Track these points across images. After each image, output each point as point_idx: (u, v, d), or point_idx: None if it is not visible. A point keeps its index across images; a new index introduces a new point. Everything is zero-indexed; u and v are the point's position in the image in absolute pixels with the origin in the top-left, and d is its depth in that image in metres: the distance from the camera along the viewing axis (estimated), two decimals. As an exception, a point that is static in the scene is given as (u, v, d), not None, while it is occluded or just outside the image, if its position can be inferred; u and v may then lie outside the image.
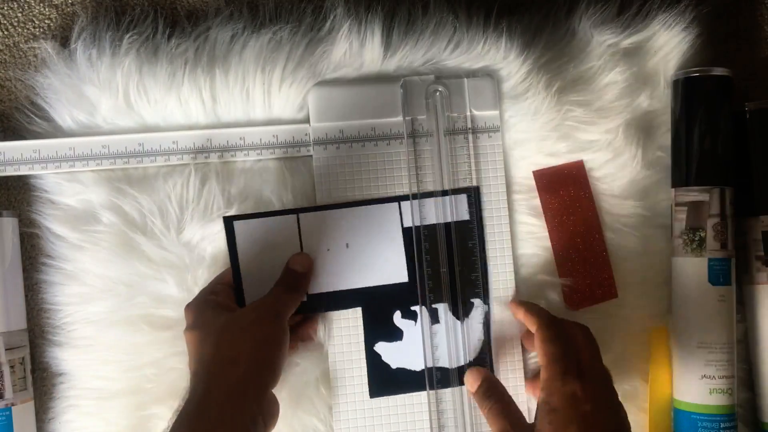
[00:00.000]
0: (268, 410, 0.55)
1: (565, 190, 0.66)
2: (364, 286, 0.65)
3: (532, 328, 0.60)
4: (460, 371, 0.64)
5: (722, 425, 0.63)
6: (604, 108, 0.66)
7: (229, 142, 0.65)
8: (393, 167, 0.66)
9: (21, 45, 0.68)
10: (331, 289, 0.64)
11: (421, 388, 0.65)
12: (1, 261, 0.64)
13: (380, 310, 0.65)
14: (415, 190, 0.65)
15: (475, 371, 0.62)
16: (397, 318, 0.65)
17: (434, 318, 0.65)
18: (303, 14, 0.67)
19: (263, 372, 0.55)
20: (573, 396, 0.55)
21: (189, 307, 0.60)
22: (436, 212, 0.65)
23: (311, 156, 0.65)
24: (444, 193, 0.65)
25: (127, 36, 0.65)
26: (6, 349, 0.63)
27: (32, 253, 0.66)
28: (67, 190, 0.65)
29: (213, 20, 0.66)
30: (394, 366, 0.65)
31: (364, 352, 0.65)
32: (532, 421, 0.56)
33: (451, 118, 0.66)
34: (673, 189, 0.66)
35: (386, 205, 0.65)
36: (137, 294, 0.64)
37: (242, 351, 0.55)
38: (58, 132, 0.65)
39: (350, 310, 0.65)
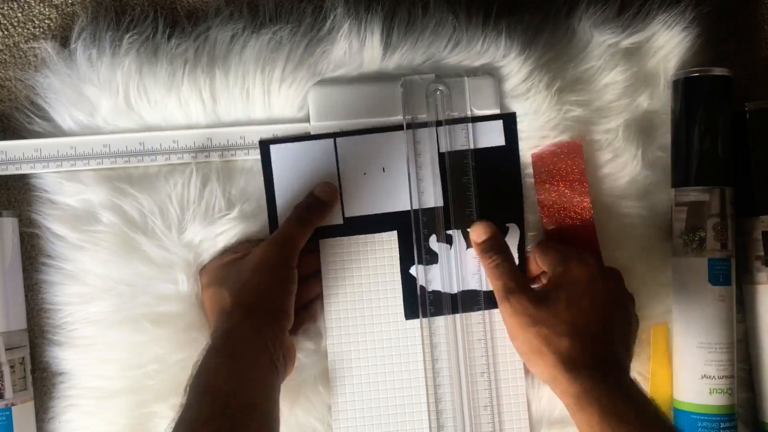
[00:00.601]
0: (287, 353, 0.59)
1: (557, 169, 0.66)
2: (400, 210, 0.65)
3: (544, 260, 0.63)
4: (487, 295, 0.65)
5: (722, 425, 0.63)
6: (604, 108, 0.67)
7: (229, 141, 0.65)
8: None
9: (21, 45, 0.68)
10: (368, 213, 0.65)
11: (455, 311, 0.65)
12: (1, 261, 0.64)
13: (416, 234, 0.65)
14: (416, 200, 0.65)
15: (484, 224, 0.63)
16: (433, 242, 0.65)
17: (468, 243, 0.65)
18: (303, 14, 0.67)
19: (277, 315, 0.59)
20: (588, 273, 0.58)
21: (205, 269, 0.63)
22: (468, 138, 0.66)
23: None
24: (475, 119, 0.66)
25: (127, 36, 0.65)
26: (6, 349, 0.63)
27: (32, 253, 0.66)
28: (67, 190, 0.65)
29: (213, 20, 0.66)
30: (429, 289, 0.65)
31: (399, 275, 0.65)
32: None
33: (452, 118, 0.66)
34: (673, 189, 0.66)
35: (423, 129, 0.65)
36: (137, 294, 0.64)
37: (254, 296, 0.59)
38: (58, 132, 0.65)
39: (386, 234, 0.65)
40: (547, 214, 0.66)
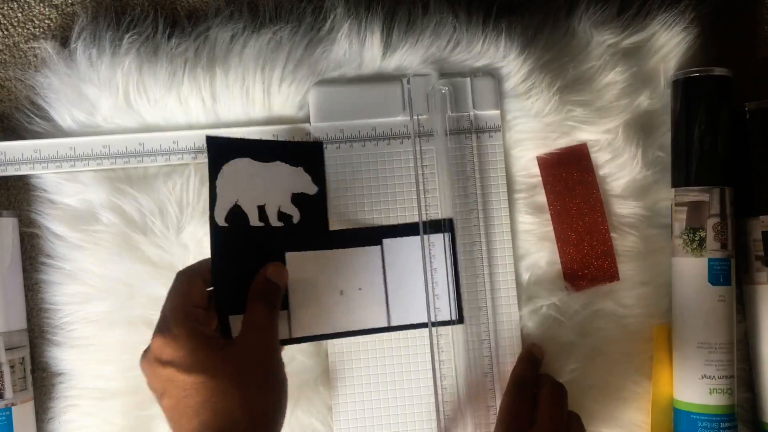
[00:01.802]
0: None
1: (568, 173, 0.66)
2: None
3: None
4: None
5: (722, 425, 0.63)
6: (604, 108, 0.67)
7: (229, 141, 0.65)
8: (393, 167, 0.66)
9: (21, 45, 0.68)
10: (352, 227, 0.65)
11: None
12: (1, 261, 0.64)
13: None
14: (421, 188, 0.65)
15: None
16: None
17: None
18: (303, 14, 0.67)
19: (282, 419, 0.54)
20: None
21: (172, 337, 0.51)
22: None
23: (310, 156, 0.66)
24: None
25: (127, 36, 0.65)
26: (6, 349, 0.63)
27: (32, 253, 0.66)
28: (67, 190, 0.65)
29: (213, 20, 0.66)
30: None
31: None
32: None
33: (453, 118, 0.66)
34: (673, 189, 0.66)
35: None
36: (137, 294, 0.64)
37: (271, 405, 0.52)
38: (58, 132, 0.65)
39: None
40: (559, 219, 0.66)
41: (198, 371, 0.50)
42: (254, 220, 0.61)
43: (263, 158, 0.62)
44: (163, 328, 0.52)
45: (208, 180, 0.59)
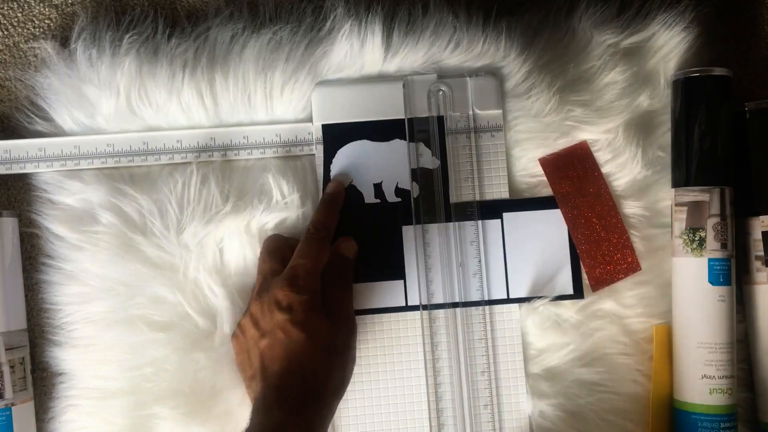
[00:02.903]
0: None
1: (574, 172, 0.66)
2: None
3: None
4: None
5: (722, 425, 0.63)
6: (604, 108, 0.67)
7: (232, 140, 0.65)
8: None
9: (21, 45, 0.68)
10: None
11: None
12: (1, 261, 0.64)
13: None
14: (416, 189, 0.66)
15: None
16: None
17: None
18: (303, 14, 0.67)
19: (342, 391, 0.60)
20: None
21: (297, 291, 0.58)
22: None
23: (314, 155, 0.65)
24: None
25: (127, 36, 0.65)
26: (6, 349, 0.63)
27: (32, 253, 0.66)
28: (67, 190, 0.65)
29: (213, 20, 0.66)
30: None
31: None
32: None
33: (454, 118, 0.66)
34: (673, 189, 0.66)
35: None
36: (137, 294, 0.64)
37: (347, 376, 0.60)
38: (58, 132, 0.65)
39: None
40: (573, 222, 0.66)
41: (305, 330, 0.57)
42: (369, 198, 0.65)
43: (380, 137, 0.65)
44: (292, 281, 0.58)
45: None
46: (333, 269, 0.62)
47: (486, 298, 0.65)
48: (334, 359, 0.58)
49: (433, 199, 0.66)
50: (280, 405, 0.55)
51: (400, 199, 0.65)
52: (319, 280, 0.60)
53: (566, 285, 0.66)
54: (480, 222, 0.66)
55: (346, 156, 0.65)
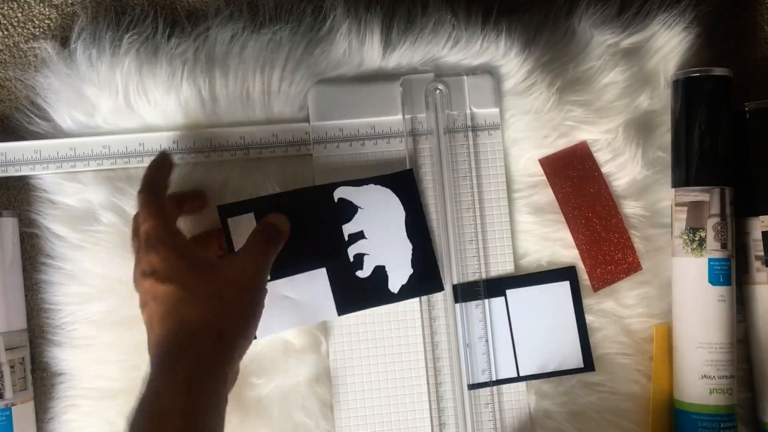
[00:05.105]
0: (234, 376, 0.58)
1: (574, 172, 0.66)
2: None
3: None
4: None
5: (722, 425, 0.63)
6: (604, 108, 0.67)
7: (229, 141, 0.65)
8: (394, 166, 0.66)
9: (21, 45, 0.68)
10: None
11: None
12: (1, 261, 0.64)
13: None
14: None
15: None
16: None
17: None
18: (303, 14, 0.67)
19: (245, 345, 0.55)
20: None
21: (156, 252, 0.54)
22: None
23: (311, 155, 0.65)
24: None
25: (127, 36, 0.65)
26: (6, 349, 0.63)
27: (32, 253, 0.66)
28: (67, 190, 0.65)
29: (213, 20, 0.66)
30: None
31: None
32: None
33: (451, 116, 0.66)
34: (673, 189, 0.66)
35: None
36: (137, 294, 0.64)
37: (231, 321, 0.54)
38: (58, 132, 0.65)
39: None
40: (574, 222, 0.66)
41: (171, 281, 0.53)
42: None
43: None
44: (148, 244, 0.55)
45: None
46: (261, 228, 0.60)
47: (485, 296, 0.66)
48: (215, 306, 0.53)
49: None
50: (156, 371, 0.51)
51: None
52: (180, 232, 0.57)
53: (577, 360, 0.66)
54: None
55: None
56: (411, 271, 0.65)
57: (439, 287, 0.65)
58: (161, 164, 0.61)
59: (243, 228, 0.62)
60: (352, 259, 0.64)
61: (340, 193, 0.64)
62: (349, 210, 0.64)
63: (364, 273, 0.64)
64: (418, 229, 0.65)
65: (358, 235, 0.64)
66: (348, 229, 0.64)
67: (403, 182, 0.65)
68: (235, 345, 0.54)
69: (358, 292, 0.64)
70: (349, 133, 0.65)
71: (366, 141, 0.66)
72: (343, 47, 0.65)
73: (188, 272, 0.54)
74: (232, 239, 0.62)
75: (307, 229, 0.63)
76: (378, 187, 0.64)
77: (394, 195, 0.65)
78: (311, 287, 0.63)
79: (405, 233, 0.65)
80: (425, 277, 0.65)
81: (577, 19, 0.67)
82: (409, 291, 0.64)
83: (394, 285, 0.64)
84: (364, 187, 0.64)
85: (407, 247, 0.65)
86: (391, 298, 0.64)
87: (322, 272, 0.64)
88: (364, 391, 0.65)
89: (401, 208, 0.65)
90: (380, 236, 0.64)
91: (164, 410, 0.50)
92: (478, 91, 0.66)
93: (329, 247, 0.64)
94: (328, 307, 0.64)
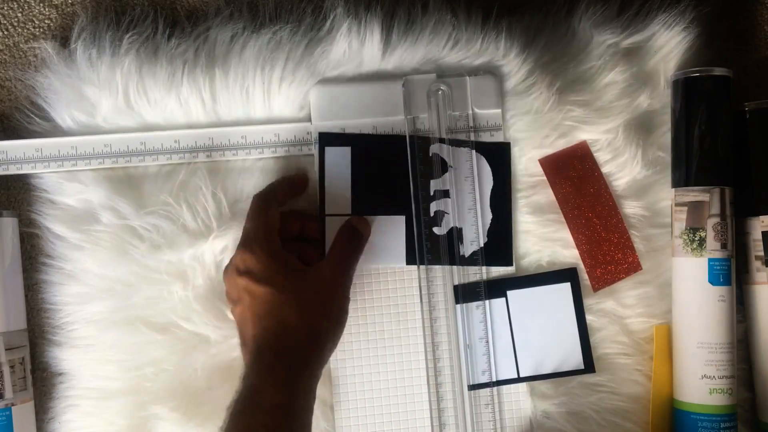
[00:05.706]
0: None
1: (574, 172, 0.66)
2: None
3: None
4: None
5: (722, 425, 0.63)
6: (604, 108, 0.67)
7: (230, 140, 0.65)
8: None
9: (21, 45, 0.68)
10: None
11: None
12: (1, 261, 0.64)
13: None
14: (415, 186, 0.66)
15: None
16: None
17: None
18: (303, 14, 0.67)
19: (333, 348, 0.59)
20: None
21: (251, 252, 0.58)
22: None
23: (312, 155, 0.65)
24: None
25: (127, 36, 0.65)
26: (6, 349, 0.63)
27: (32, 253, 0.66)
28: (67, 190, 0.65)
29: (213, 20, 0.66)
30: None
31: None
32: None
33: (453, 117, 0.66)
34: (673, 189, 0.66)
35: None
36: (137, 294, 0.64)
37: (324, 327, 0.57)
38: (58, 132, 0.65)
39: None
40: (573, 222, 0.66)
41: (268, 284, 0.56)
42: None
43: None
44: (246, 244, 0.59)
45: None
46: (343, 233, 0.63)
47: (485, 297, 0.66)
48: (311, 309, 0.57)
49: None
50: (255, 368, 0.55)
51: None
52: (277, 239, 0.60)
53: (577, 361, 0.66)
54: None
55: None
56: (486, 239, 0.65)
57: (509, 262, 0.66)
58: (295, 183, 0.65)
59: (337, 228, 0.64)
60: (432, 215, 0.65)
61: (435, 148, 0.65)
62: (440, 167, 0.65)
63: (440, 230, 0.65)
64: (502, 202, 0.66)
65: (444, 193, 0.65)
66: (435, 184, 0.65)
67: (499, 154, 0.66)
68: (329, 348, 0.58)
69: (430, 246, 0.65)
70: (351, 132, 0.65)
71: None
72: (343, 47, 0.65)
73: (283, 276, 0.57)
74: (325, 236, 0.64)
75: (398, 176, 0.65)
76: (474, 152, 0.65)
77: (487, 164, 0.65)
78: (388, 231, 0.65)
79: (489, 202, 0.66)
80: (498, 250, 0.66)
81: (577, 19, 0.67)
82: (479, 258, 0.65)
83: (467, 249, 0.65)
84: (461, 149, 0.65)
85: (488, 216, 0.66)
86: (460, 261, 0.65)
87: (401, 220, 0.65)
88: (364, 391, 0.65)
89: (491, 177, 0.66)
90: (464, 199, 0.65)
91: (262, 406, 0.52)
92: (481, 91, 0.66)
93: (414, 197, 0.65)
94: (399, 254, 0.65)
